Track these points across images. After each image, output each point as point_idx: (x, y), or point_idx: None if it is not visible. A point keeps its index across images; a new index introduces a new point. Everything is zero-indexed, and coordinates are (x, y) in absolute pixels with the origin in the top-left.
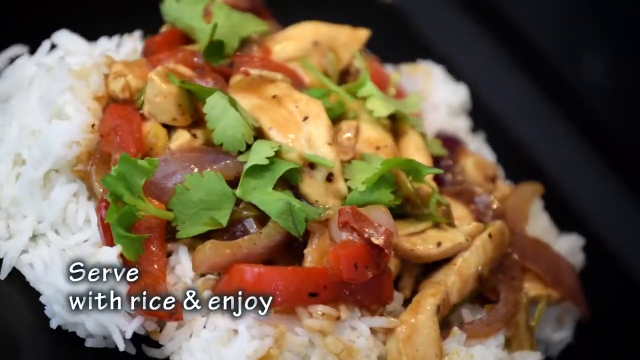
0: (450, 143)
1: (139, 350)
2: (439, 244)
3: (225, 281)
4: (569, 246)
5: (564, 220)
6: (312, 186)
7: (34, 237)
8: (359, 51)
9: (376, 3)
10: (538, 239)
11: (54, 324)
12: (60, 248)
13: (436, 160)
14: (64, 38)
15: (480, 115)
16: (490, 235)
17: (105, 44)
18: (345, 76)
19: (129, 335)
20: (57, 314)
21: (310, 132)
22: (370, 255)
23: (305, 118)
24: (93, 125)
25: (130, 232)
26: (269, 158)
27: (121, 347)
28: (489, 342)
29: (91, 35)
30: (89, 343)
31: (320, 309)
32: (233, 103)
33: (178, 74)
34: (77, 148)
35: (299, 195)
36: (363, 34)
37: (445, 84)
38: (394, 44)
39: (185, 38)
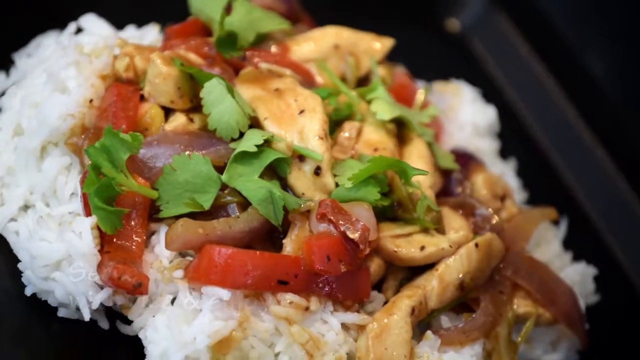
0: (464, 158)
1: (112, 326)
2: (422, 248)
3: (196, 261)
4: (579, 274)
5: (588, 250)
6: (299, 179)
7: (25, 207)
8: (383, 60)
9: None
10: (534, 258)
11: (28, 292)
12: (43, 217)
13: (447, 174)
14: (90, 21)
15: (521, 141)
16: (476, 245)
17: (131, 32)
18: (365, 82)
19: (95, 305)
20: (30, 281)
21: (304, 125)
22: (344, 248)
23: (302, 111)
24: (91, 101)
25: (111, 205)
26: (257, 146)
27: (86, 317)
28: (464, 351)
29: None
30: (60, 313)
31: (288, 297)
32: (230, 90)
33: (186, 60)
34: (71, 120)
35: (286, 187)
36: (387, 42)
37: (473, 103)
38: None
39: (206, 30)
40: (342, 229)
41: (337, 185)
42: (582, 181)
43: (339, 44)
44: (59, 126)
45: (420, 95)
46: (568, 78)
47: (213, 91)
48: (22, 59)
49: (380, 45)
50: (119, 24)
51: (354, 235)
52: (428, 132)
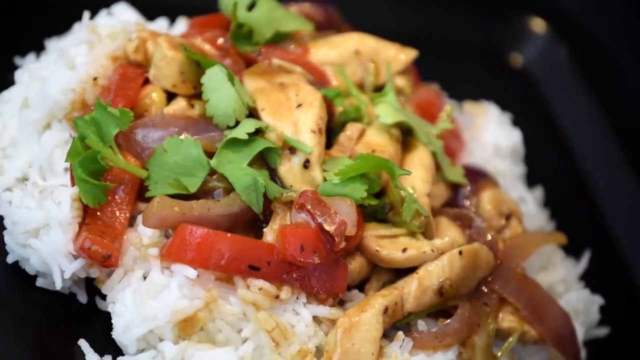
0: (474, 174)
1: (91, 300)
2: (404, 250)
3: (171, 239)
4: (583, 302)
5: (612, 285)
6: (288, 170)
7: (23, 180)
8: (408, 72)
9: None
10: (527, 276)
11: (10, 259)
12: (28, 185)
13: (456, 187)
14: (121, 9)
15: (571, 175)
16: (460, 253)
17: (161, 23)
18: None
19: (67, 275)
20: (10, 247)
21: (299, 118)
22: (319, 240)
23: (299, 105)
24: (95, 79)
25: (97, 179)
26: (249, 134)
27: (58, 285)
28: (436, 356)
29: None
30: (39, 282)
31: (259, 283)
32: (231, 78)
33: (199, 50)
34: (71, 95)
35: (276, 178)
36: (410, 53)
37: (499, 125)
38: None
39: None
40: (319, 220)
41: (325, 180)
42: (620, 219)
43: (360, 50)
44: (60, 100)
45: (444, 111)
46: (623, 114)
47: (214, 78)
48: (53, 43)
49: (403, 55)
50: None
51: (330, 227)
52: (437, 143)
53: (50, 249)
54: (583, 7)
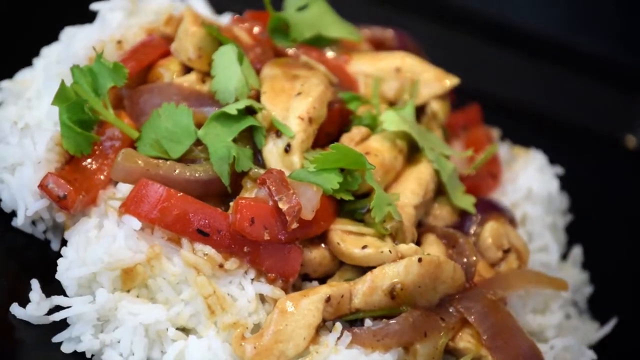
0: (486, 206)
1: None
2: (364, 247)
3: (130, 192)
4: (571, 354)
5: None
6: (271, 152)
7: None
8: (446, 97)
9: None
10: (500, 305)
11: None
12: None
13: (464, 215)
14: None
15: None
16: (420, 260)
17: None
18: (419, 115)
19: (30, 212)
20: None
21: (293, 105)
22: (273, 217)
23: (299, 94)
24: (120, 42)
25: (86, 130)
26: (239, 110)
27: (19, 222)
28: (373, 356)
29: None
30: (14, 222)
31: (205, 249)
32: (241, 58)
33: (231, 34)
34: (90, 52)
35: (259, 158)
36: (452, 80)
37: (539, 171)
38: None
39: None
40: (275, 197)
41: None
42: None
43: (400, 68)
44: (79, 55)
45: (485, 150)
46: None
47: (224, 55)
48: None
49: (444, 81)
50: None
51: (284, 206)
52: (445, 164)
53: (20, 186)
54: None
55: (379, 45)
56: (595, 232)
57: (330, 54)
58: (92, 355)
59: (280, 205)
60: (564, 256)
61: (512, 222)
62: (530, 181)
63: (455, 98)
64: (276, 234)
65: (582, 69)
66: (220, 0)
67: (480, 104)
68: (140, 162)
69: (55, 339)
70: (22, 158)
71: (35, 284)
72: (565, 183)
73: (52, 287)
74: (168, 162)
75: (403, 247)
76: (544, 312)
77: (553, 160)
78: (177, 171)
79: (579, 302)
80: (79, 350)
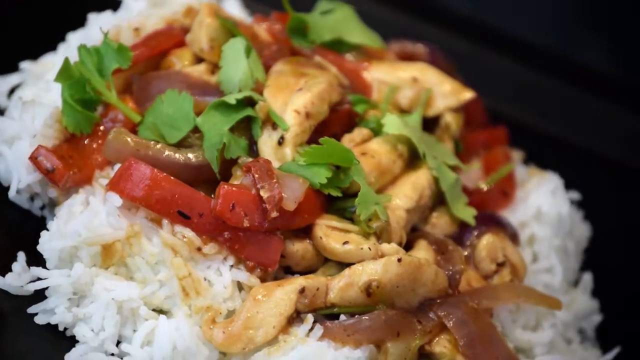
0: (487, 219)
1: None
2: (345, 243)
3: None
4: None
5: None
6: (265, 144)
7: None
8: (458, 110)
9: None
10: (482, 313)
11: None
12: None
13: (464, 226)
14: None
15: None
16: (399, 260)
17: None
18: (433, 126)
19: (22, 184)
20: None
21: (292, 99)
22: (254, 204)
23: (300, 89)
24: (137, 29)
25: (88, 109)
26: (238, 101)
27: (11, 194)
28: (343, 350)
29: None
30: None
31: (185, 232)
32: (248, 52)
33: (249, 31)
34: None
35: (255, 149)
36: (467, 94)
37: (551, 192)
38: None
39: None
40: (258, 185)
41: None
42: None
43: (418, 78)
44: (95, 39)
45: (505, 169)
46: None
47: (233, 47)
48: None
49: (460, 94)
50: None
51: (265, 194)
52: (446, 172)
53: (15, 158)
54: None
55: (409, 59)
56: (612, 260)
57: (349, 59)
58: (65, 329)
59: (262, 193)
60: (576, 282)
61: (513, 238)
62: (541, 201)
63: (487, 118)
64: (256, 221)
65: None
66: (255, 5)
67: (517, 129)
68: (131, 142)
69: (31, 309)
70: (21, 132)
71: (21, 256)
72: (588, 212)
73: (42, 262)
74: (159, 145)
75: (385, 247)
76: (534, 329)
77: (584, 191)
78: (166, 153)
79: (587, 330)
80: (53, 322)
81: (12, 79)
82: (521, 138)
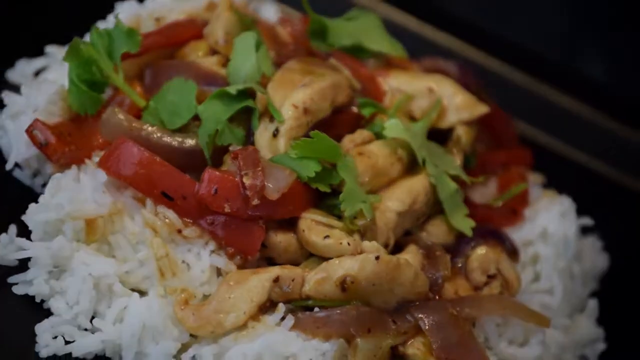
0: (486, 232)
1: None
2: (325, 237)
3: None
4: None
5: None
6: (262, 135)
7: None
8: (470, 124)
9: None
10: (461, 321)
11: None
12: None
13: (461, 237)
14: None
15: None
16: (377, 258)
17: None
18: (446, 138)
19: (19, 158)
20: None
21: (292, 94)
22: (236, 191)
23: (303, 85)
24: (158, 19)
25: (95, 91)
26: (238, 91)
27: (8, 165)
28: (312, 342)
29: None
30: (16, 173)
31: (167, 213)
32: (258, 46)
33: (269, 31)
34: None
35: (252, 140)
36: (481, 108)
37: (559, 214)
38: None
39: None
40: (242, 172)
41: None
42: None
43: (434, 89)
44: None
45: (518, 187)
46: None
47: (244, 41)
48: None
49: (474, 109)
50: None
51: (247, 181)
52: (446, 180)
53: (15, 132)
54: None
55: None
56: (623, 291)
57: (369, 65)
58: (42, 301)
59: (245, 179)
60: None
61: (512, 254)
62: (549, 222)
63: (517, 139)
64: (237, 208)
65: None
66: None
67: (551, 156)
68: (125, 122)
69: (11, 279)
70: (25, 107)
71: (12, 228)
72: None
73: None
74: (155, 126)
75: (366, 244)
76: (521, 344)
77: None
78: (158, 135)
79: (590, 357)
80: (30, 293)
81: (37, 62)
82: (557, 167)
